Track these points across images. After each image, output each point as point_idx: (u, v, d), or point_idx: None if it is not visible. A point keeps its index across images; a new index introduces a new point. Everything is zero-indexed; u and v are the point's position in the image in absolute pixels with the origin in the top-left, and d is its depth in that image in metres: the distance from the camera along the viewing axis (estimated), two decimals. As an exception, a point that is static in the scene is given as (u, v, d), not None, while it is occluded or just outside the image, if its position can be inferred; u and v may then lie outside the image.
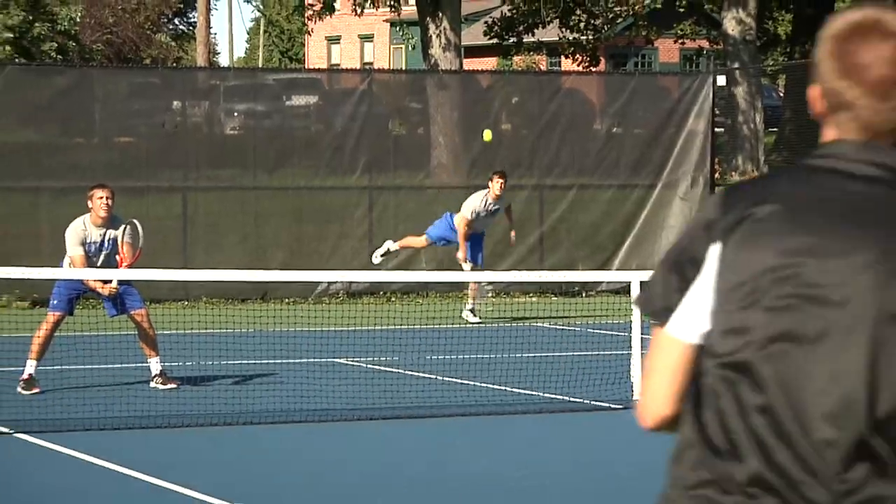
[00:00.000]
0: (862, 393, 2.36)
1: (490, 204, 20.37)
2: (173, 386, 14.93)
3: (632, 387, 13.63)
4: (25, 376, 14.46)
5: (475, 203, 20.38)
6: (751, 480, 2.42)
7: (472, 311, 20.55)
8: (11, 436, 12.66)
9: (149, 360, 15.03)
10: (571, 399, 14.56)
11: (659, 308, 2.55)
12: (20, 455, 12.08)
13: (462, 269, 20.54)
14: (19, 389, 14.37)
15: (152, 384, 14.76)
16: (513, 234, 21.14)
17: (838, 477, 2.38)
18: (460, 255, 20.54)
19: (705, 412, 2.47)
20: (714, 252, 2.40)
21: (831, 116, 2.45)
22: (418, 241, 21.24)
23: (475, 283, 20.81)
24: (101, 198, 14.84)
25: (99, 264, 14.98)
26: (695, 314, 2.46)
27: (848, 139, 2.41)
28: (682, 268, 2.48)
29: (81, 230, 14.94)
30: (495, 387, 15.28)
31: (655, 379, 2.57)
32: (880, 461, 2.37)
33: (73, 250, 14.90)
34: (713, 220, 2.45)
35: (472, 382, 15.84)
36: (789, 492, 2.39)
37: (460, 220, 20.36)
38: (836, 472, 2.38)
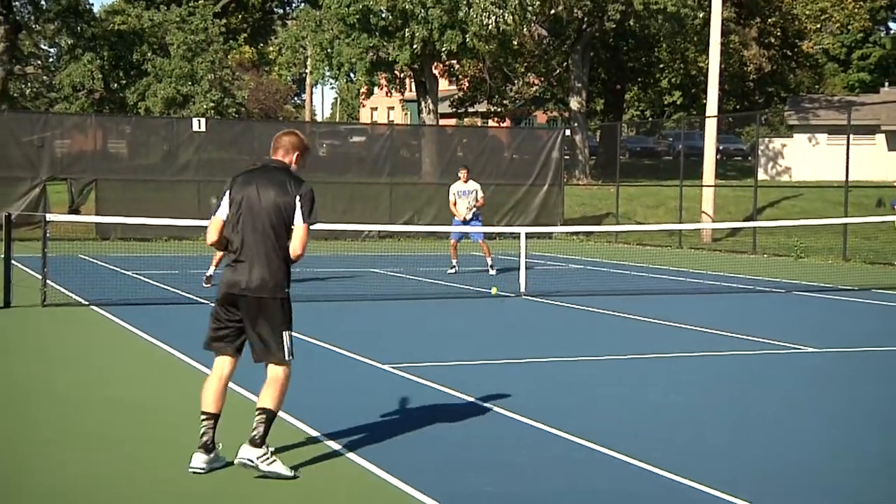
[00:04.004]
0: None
1: (461, 186, 20.95)
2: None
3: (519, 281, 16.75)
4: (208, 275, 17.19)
5: (453, 187, 21.05)
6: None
7: (452, 268, 21.13)
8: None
9: (213, 266, 17.00)
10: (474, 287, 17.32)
11: (213, 209, 7.04)
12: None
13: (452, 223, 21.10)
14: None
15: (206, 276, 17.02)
16: (479, 202, 20.85)
17: None
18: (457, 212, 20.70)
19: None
20: (228, 192, 7.00)
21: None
22: (452, 247, 21.26)
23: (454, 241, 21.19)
24: None
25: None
26: (223, 210, 6.93)
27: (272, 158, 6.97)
28: (222, 199, 6.94)
29: None
30: (459, 285, 18.05)
31: (212, 229, 6.96)
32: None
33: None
34: (229, 184, 6.96)
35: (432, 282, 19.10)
36: None
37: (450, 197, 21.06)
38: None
